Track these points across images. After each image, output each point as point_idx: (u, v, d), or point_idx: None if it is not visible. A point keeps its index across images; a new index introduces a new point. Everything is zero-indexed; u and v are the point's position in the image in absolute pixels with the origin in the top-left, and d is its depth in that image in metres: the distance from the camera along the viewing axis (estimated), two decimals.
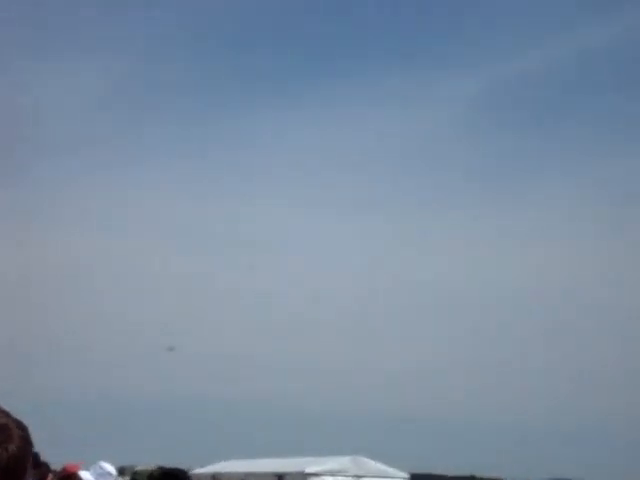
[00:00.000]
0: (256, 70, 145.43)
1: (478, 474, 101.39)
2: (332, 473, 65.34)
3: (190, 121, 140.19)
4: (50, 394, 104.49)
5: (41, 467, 8.63)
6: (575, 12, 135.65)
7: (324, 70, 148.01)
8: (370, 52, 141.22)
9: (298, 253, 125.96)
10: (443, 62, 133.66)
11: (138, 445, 77.46)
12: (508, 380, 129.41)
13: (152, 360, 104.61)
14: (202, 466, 61.38)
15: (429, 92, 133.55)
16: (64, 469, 6.14)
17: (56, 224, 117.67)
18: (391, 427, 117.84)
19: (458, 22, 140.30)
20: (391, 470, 73.38)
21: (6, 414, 3.43)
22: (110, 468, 5.59)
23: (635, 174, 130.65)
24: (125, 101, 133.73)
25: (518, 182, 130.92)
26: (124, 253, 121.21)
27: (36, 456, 8.26)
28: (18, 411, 3.79)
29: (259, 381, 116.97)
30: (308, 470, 63.73)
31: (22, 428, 3.43)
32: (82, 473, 6.30)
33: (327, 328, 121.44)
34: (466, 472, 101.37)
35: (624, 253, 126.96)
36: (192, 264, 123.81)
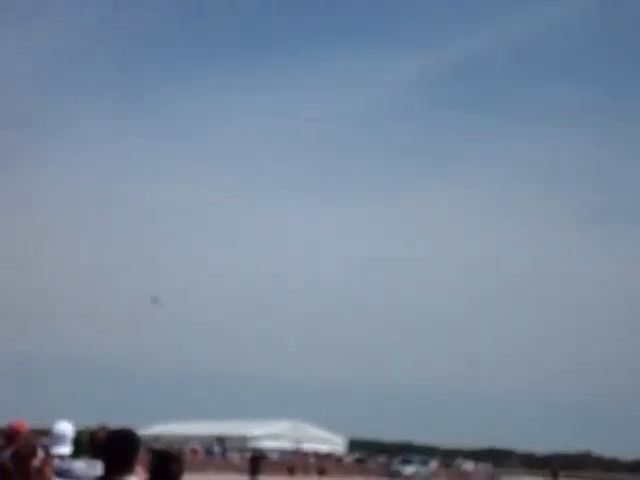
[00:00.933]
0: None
1: (415, 441, 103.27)
2: (272, 437, 66.54)
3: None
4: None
5: None
6: (503, 3, 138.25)
7: (262, 54, 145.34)
8: (305, 38, 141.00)
9: (235, 230, 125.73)
10: (379, 47, 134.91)
11: (74, 405, 77.61)
12: (446, 349, 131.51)
13: (88, 320, 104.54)
14: (144, 428, 61.76)
15: (365, 76, 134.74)
16: (10, 427, 6.34)
17: None
18: (330, 394, 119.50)
19: (393, 13, 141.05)
20: (329, 435, 74.56)
21: None
22: (66, 428, 5.62)
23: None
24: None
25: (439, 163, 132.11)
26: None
27: None
28: None
29: (204, 347, 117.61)
30: (248, 434, 64.73)
31: None
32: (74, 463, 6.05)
33: (277, 301, 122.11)
34: (404, 439, 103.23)
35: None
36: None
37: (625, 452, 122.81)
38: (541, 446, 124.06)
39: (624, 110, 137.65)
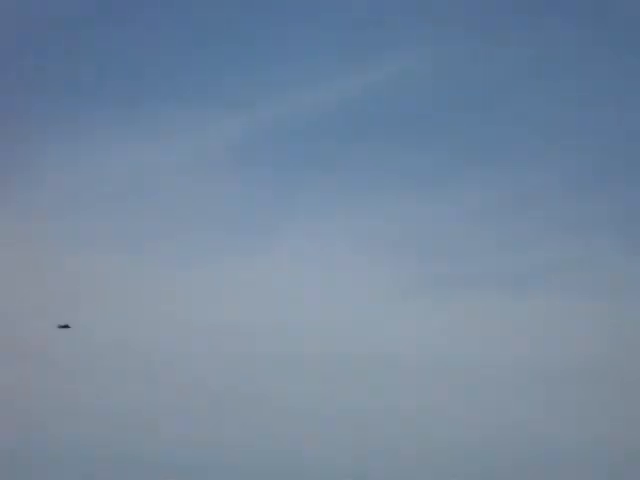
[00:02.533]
0: None
1: None
2: None
3: None
4: None
5: None
6: (334, 64, 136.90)
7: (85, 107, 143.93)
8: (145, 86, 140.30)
9: None
10: (213, 101, 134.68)
11: None
12: None
13: None
14: None
15: (201, 128, 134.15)
16: None
17: None
18: None
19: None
20: None
21: None
22: None
23: None
24: None
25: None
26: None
27: None
28: None
29: None
30: None
31: None
32: None
33: None
34: None
35: None
36: None
37: None
38: None
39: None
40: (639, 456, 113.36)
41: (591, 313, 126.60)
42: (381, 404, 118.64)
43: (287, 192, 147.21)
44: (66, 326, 52.20)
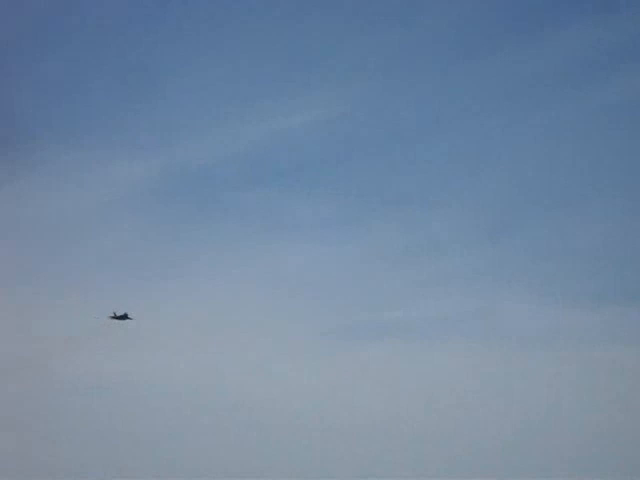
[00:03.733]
0: None
1: None
2: None
3: None
4: None
5: None
6: (237, 111, 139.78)
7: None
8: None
9: None
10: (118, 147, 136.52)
11: None
12: None
13: None
14: None
15: (104, 172, 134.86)
16: None
17: None
18: None
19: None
20: None
21: None
22: None
23: None
24: None
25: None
26: None
27: None
28: None
29: None
30: None
31: None
32: None
33: None
34: None
35: None
36: None
37: None
38: None
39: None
40: None
41: (494, 362, 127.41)
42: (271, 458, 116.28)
43: (187, 237, 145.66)
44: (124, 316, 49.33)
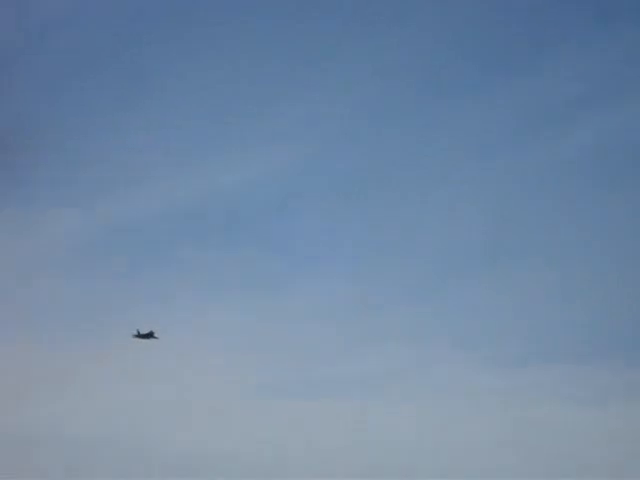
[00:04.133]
0: None
1: None
2: None
3: None
4: None
5: None
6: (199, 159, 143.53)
7: None
8: None
9: None
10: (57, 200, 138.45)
11: None
12: None
13: None
14: None
15: (42, 225, 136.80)
16: None
17: None
18: None
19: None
20: None
21: None
22: None
23: None
24: None
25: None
26: None
27: None
28: None
29: None
30: None
31: None
32: None
33: None
34: None
35: None
36: None
37: None
38: None
39: None
40: None
41: (428, 419, 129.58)
42: None
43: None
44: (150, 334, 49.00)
